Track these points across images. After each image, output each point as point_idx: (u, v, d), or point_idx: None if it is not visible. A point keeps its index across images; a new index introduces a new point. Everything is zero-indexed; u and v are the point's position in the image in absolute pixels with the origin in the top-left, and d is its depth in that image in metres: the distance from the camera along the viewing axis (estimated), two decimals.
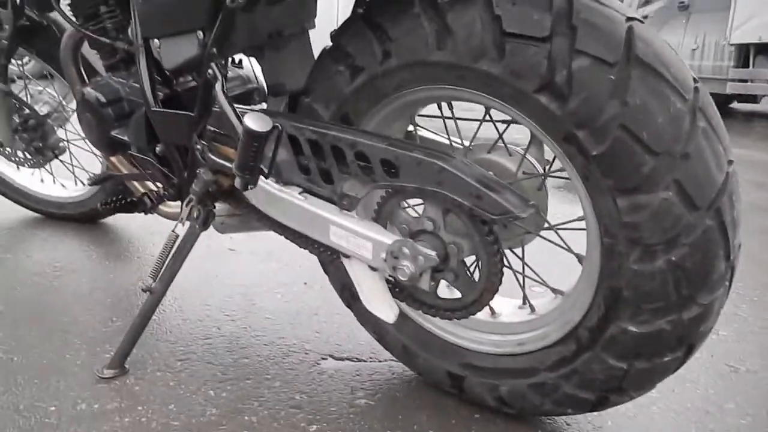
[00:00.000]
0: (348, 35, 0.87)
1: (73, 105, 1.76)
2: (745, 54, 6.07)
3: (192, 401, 1.04)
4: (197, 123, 1.00)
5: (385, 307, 0.92)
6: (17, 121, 1.65)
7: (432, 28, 0.77)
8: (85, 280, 1.51)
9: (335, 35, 0.91)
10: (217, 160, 0.97)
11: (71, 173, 1.89)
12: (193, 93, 1.08)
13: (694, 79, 0.71)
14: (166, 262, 1.10)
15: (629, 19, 0.70)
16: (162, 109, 1.05)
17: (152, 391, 1.06)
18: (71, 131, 1.82)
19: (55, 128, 1.73)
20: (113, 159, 1.29)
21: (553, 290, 0.95)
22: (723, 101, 7.39)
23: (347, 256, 0.92)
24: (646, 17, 7.36)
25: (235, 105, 0.96)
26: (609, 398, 0.86)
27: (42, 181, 1.94)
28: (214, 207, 1.10)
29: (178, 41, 0.99)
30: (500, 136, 0.91)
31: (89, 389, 1.05)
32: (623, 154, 0.69)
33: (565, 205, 2.27)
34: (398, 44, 0.81)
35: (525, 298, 0.99)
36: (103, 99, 1.17)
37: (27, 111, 1.65)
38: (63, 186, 1.93)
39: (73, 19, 1.24)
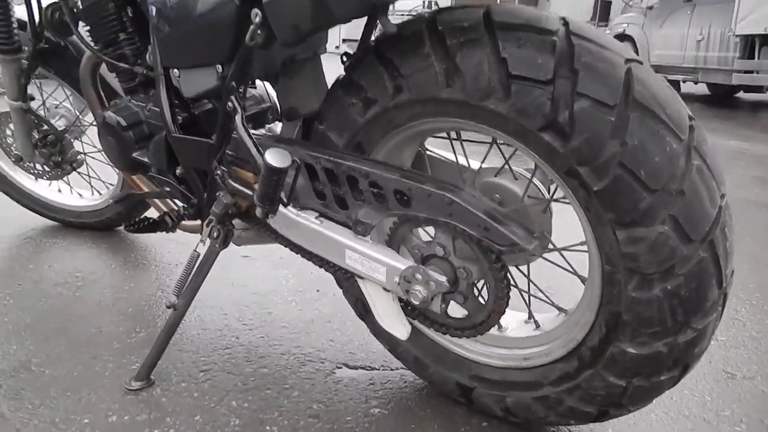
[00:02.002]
0: (360, 69, 0.92)
1: (89, 118, 1.81)
2: (750, 45, 6.06)
3: (216, 412, 1.10)
4: (217, 150, 1.06)
5: (398, 325, 0.98)
6: (37, 136, 1.71)
7: (441, 67, 0.81)
8: (107, 290, 1.57)
9: (348, 68, 0.95)
10: (237, 186, 1.02)
11: (88, 184, 1.95)
12: (212, 117, 1.14)
13: (690, 117, 0.75)
14: (189, 279, 1.15)
15: (628, 60, 0.74)
16: (182, 136, 1.10)
17: (178, 402, 1.12)
18: (87, 143, 1.88)
19: (73, 142, 1.78)
20: (134, 177, 1.34)
21: (558, 308, 1.00)
22: (728, 92, 7.39)
23: (361, 277, 0.97)
24: (651, 8, 7.34)
25: (252, 132, 1.01)
26: (609, 412, 0.91)
27: (59, 191, 2.00)
28: (233, 226, 1.16)
29: (197, 72, 1.04)
30: (506, 162, 0.96)
31: (119, 401, 1.12)
32: (622, 191, 0.73)
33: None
34: (409, 80, 0.85)
35: (530, 315, 1.04)
36: (123, 123, 1.22)
37: (46, 127, 1.70)
38: (80, 195, 1.99)
39: (92, 44, 1.28)
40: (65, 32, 1.43)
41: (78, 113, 1.82)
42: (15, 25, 1.50)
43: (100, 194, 1.96)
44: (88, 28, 1.28)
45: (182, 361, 1.25)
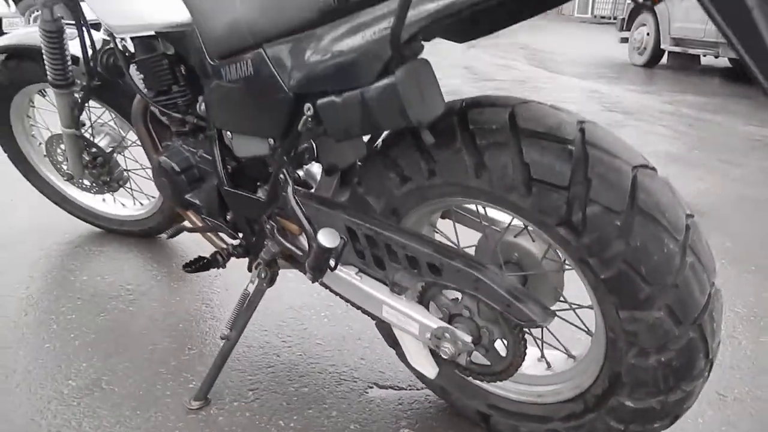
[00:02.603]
0: (398, 149, 1.03)
1: (131, 136, 1.94)
2: None
3: (266, 431, 1.26)
4: (266, 207, 1.19)
5: (427, 365, 1.13)
6: (87, 158, 1.84)
7: (471, 162, 0.93)
8: (156, 304, 1.73)
9: (386, 143, 1.07)
10: (287, 245, 1.16)
11: (131, 195, 2.10)
12: (261, 172, 1.26)
13: (687, 215, 0.87)
14: (239, 314, 1.30)
15: (634, 168, 0.86)
16: (235, 191, 1.24)
17: (233, 421, 1.29)
18: (129, 158, 2.01)
19: (119, 161, 1.91)
20: (186, 212, 1.48)
21: (568, 354, 1.14)
22: (738, 65, 7.30)
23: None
24: None
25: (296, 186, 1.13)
26: None
27: (104, 200, 2.15)
28: (279, 268, 1.30)
29: (250, 139, 1.17)
30: (525, 227, 1.08)
31: (182, 420, 1.28)
32: (625, 282, 0.86)
33: None
34: (442, 167, 0.98)
35: (542, 356, 1.18)
36: (177, 168, 1.35)
37: (95, 149, 1.84)
38: (123, 205, 2.14)
39: (144, 89, 1.40)
40: (118, 74, 1.55)
41: (122, 133, 1.95)
42: (69, 61, 1.62)
43: (142, 205, 2.10)
44: (141, 76, 1.39)
45: (232, 380, 1.41)
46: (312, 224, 1.09)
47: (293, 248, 1.16)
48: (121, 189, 1.95)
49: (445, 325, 1.02)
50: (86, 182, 1.94)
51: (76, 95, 1.69)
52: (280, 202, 1.18)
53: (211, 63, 1.14)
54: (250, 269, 1.36)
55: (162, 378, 1.42)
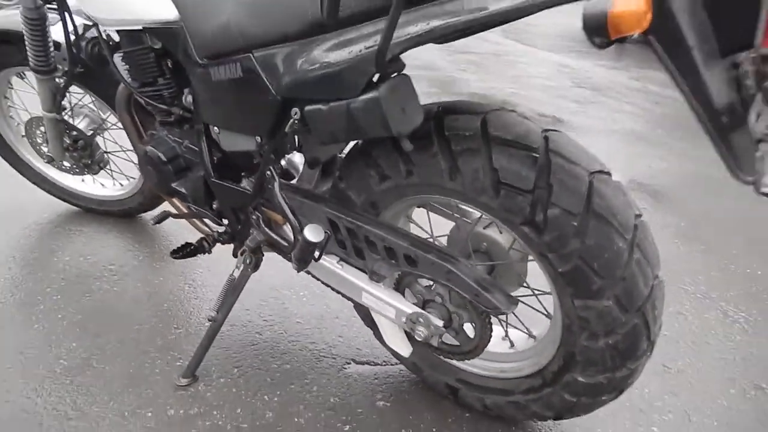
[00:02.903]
0: (378, 150, 1.12)
1: (111, 118, 1.97)
2: None
3: (253, 405, 1.36)
4: (253, 199, 1.26)
5: (402, 345, 1.24)
6: (68, 142, 1.87)
7: (446, 165, 1.02)
8: (140, 284, 1.80)
9: (367, 143, 1.15)
10: (273, 236, 1.24)
11: (110, 177, 2.13)
12: (247, 164, 1.33)
13: (636, 216, 0.98)
14: (225, 297, 1.38)
15: (591, 174, 0.96)
16: (222, 183, 1.30)
17: (221, 397, 1.38)
18: (109, 140, 2.04)
19: (99, 144, 1.94)
20: (171, 199, 1.54)
21: (529, 334, 1.26)
22: None
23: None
24: None
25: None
26: (563, 416, 1.19)
27: (83, 181, 2.18)
28: (263, 254, 1.38)
29: (237, 135, 1.23)
30: (494, 220, 1.18)
31: (172, 396, 1.37)
32: (580, 275, 0.97)
33: None
34: (419, 169, 1.06)
35: (506, 335, 1.30)
36: (164, 158, 1.40)
37: (75, 133, 1.86)
38: (102, 185, 2.17)
39: (128, 79, 1.43)
40: (102, 63, 1.58)
41: (102, 115, 1.97)
42: (51, 47, 1.63)
43: (122, 185, 2.14)
44: (126, 67, 1.42)
45: (217, 358, 1.50)
46: (297, 217, 1.17)
47: (279, 239, 1.24)
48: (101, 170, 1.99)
49: (420, 310, 1.12)
50: (66, 164, 1.96)
51: (58, 80, 1.71)
52: (265, 195, 1.26)
53: (199, 62, 1.20)
54: (235, 255, 1.44)
55: (150, 356, 1.50)
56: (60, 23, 1.59)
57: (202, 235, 1.47)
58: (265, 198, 1.27)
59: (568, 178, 0.95)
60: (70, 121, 1.87)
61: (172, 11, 1.23)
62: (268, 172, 1.17)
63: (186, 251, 1.43)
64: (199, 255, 1.50)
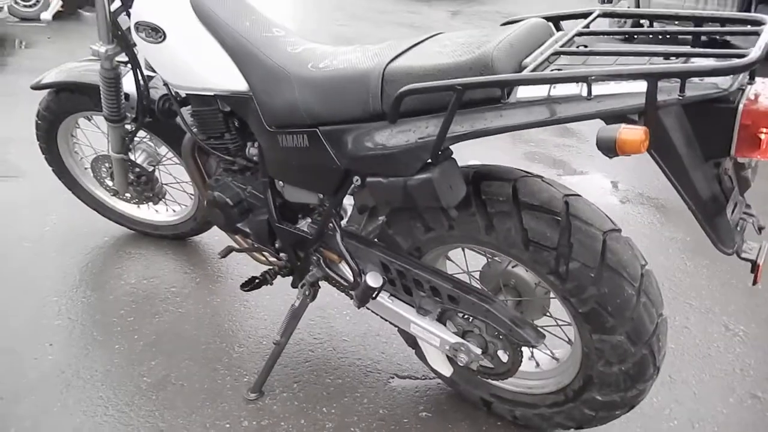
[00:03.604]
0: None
1: (163, 150, 2.18)
2: (747, 1, 6.27)
3: (314, 417, 1.59)
4: (314, 243, 1.48)
5: (443, 367, 1.45)
6: (132, 177, 2.09)
7: (483, 223, 1.23)
8: (200, 305, 2.02)
9: None
10: (334, 275, 1.45)
11: (165, 205, 2.35)
12: (308, 210, 1.54)
13: (642, 266, 1.19)
14: (288, 323, 1.60)
15: (604, 233, 1.17)
16: (286, 228, 1.52)
17: (286, 409, 1.61)
18: (165, 172, 2.26)
19: (159, 177, 2.16)
20: (235, 236, 1.76)
21: (553, 356, 1.47)
22: (722, 45, 7.60)
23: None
24: None
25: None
26: (583, 426, 1.41)
27: (139, 207, 2.40)
28: (320, 286, 1.60)
29: (301, 191, 1.45)
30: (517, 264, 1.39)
31: (245, 409, 1.60)
32: (596, 316, 1.18)
33: None
34: (459, 224, 1.27)
35: (532, 356, 1.51)
36: (230, 202, 1.62)
37: (138, 169, 2.08)
38: (156, 212, 2.40)
39: (197, 133, 1.64)
40: (170, 115, 1.79)
41: (157, 149, 2.19)
42: (122, 99, 1.85)
43: (174, 212, 2.37)
44: (195, 122, 1.63)
45: (278, 375, 1.72)
46: (356, 261, 1.38)
47: (340, 279, 1.45)
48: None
49: (461, 340, 1.34)
50: (128, 195, 2.19)
51: (127, 126, 1.92)
52: (325, 240, 1.47)
53: (268, 129, 1.40)
54: (294, 285, 1.66)
55: (220, 374, 1.72)
56: (129, 74, 1.80)
57: (266, 270, 1.68)
58: (324, 241, 1.49)
59: (585, 238, 1.16)
60: (132, 158, 2.09)
61: (242, 83, 1.44)
62: (331, 225, 1.39)
63: (253, 284, 1.65)
64: (244, 273, 1.71)
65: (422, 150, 1.10)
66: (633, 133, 0.84)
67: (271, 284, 1.70)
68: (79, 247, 2.34)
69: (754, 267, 1.04)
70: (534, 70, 0.99)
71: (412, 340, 1.62)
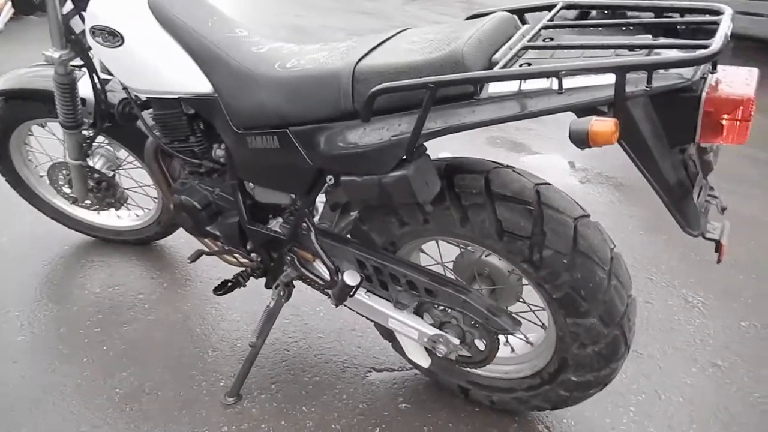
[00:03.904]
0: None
1: (122, 154, 2.12)
2: None
3: (294, 417, 1.58)
4: (287, 243, 1.47)
5: (421, 358, 1.47)
6: (92, 183, 2.03)
7: (457, 216, 1.25)
8: (170, 310, 1.99)
9: None
10: (309, 275, 1.45)
11: (126, 209, 2.29)
12: (279, 210, 1.53)
13: (611, 249, 1.23)
14: (264, 325, 1.59)
15: (575, 219, 1.20)
16: (257, 229, 1.50)
17: (265, 411, 1.60)
18: (125, 176, 2.20)
19: (120, 182, 2.10)
20: (204, 239, 1.73)
21: (527, 341, 1.51)
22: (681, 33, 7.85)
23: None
24: None
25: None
26: (558, 406, 1.45)
27: (99, 214, 2.33)
28: (294, 286, 1.59)
29: (272, 192, 1.43)
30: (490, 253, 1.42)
31: (223, 414, 1.58)
32: (570, 301, 1.22)
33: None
34: (434, 218, 1.28)
35: (507, 342, 1.55)
36: (198, 206, 1.59)
37: (98, 175, 2.02)
38: (119, 217, 2.33)
39: (160, 137, 1.61)
40: (131, 119, 1.74)
41: (116, 153, 2.13)
42: (79, 105, 1.79)
43: (137, 216, 2.31)
44: (158, 125, 1.59)
45: (255, 376, 1.71)
46: (332, 260, 1.38)
47: (315, 278, 1.45)
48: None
49: (439, 332, 1.36)
50: (88, 202, 2.12)
51: (85, 132, 1.86)
52: (299, 240, 1.46)
53: (236, 130, 1.38)
54: (268, 287, 1.65)
55: (196, 380, 1.70)
56: (84, 78, 1.75)
57: (238, 272, 1.66)
58: (297, 240, 1.48)
59: (557, 225, 1.19)
60: (91, 163, 2.03)
61: (206, 85, 1.41)
62: (305, 224, 1.38)
63: (227, 288, 1.63)
64: (214, 274, 1.69)
65: (396, 147, 1.11)
66: (604, 125, 0.87)
67: (244, 286, 1.68)
68: (39, 258, 2.26)
69: (718, 246, 1.09)
70: (504, 66, 1.00)
71: (388, 333, 1.63)
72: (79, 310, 1.98)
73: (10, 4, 1.39)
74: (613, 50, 0.99)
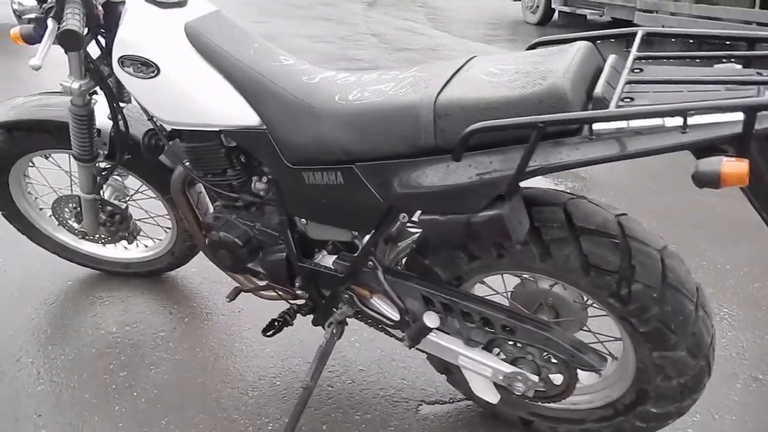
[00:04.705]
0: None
1: (129, 183, 2.00)
2: None
3: None
4: (345, 281, 1.40)
5: (490, 395, 1.42)
6: (104, 217, 1.90)
7: (538, 251, 1.20)
8: (197, 348, 1.88)
9: None
10: (375, 315, 1.38)
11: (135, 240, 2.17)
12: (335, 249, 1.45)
13: (695, 283, 1.20)
14: (317, 366, 1.51)
15: (659, 251, 1.17)
16: (312, 268, 1.42)
17: None
18: (135, 206, 2.08)
19: (132, 215, 1.98)
20: (241, 276, 1.64)
21: (597, 371, 1.47)
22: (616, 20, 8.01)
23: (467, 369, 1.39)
24: None
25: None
26: None
27: (104, 246, 2.20)
28: (347, 323, 1.52)
29: (331, 228, 1.36)
30: (556, 282, 1.38)
31: None
32: (659, 334, 1.19)
33: None
34: (511, 253, 1.24)
35: None
36: (239, 242, 1.50)
37: (110, 207, 1.90)
38: (125, 248, 2.20)
39: (193, 170, 1.51)
40: (158, 152, 1.64)
41: (124, 183, 2.01)
42: (95, 137, 1.67)
43: (146, 247, 2.19)
44: (192, 158, 1.49)
45: (303, 416, 1.62)
46: (401, 299, 1.32)
47: (381, 318, 1.38)
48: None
49: (518, 369, 1.31)
50: (99, 236, 1.99)
51: (99, 164, 1.74)
52: (359, 277, 1.39)
53: (289, 165, 1.31)
54: (316, 324, 1.57)
55: (241, 424, 1.61)
56: (96, 107, 1.63)
57: (284, 310, 1.58)
58: (355, 278, 1.41)
59: (645, 258, 1.16)
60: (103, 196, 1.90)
61: (253, 118, 1.33)
62: (371, 263, 1.31)
63: (275, 328, 1.55)
64: (236, 306, 1.62)
65: (489, 186, 1.06)
66: (737, 166, 0.84)
67: (292, 325, 1.60)
68: (42, 296, 2.11)
69: None
70: (613, 102, 0.96)
71: (442, 367, 1.58)
72: (98, 353, 1.86)
73: (49, 42, 1.28)
74: (722, 85, 0.96)
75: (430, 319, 1.24)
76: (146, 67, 1.35)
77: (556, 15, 8.38)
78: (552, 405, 1.49)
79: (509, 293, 1.46)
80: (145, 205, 2.13)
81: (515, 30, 7.97)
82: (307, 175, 1.29)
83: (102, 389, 1.72)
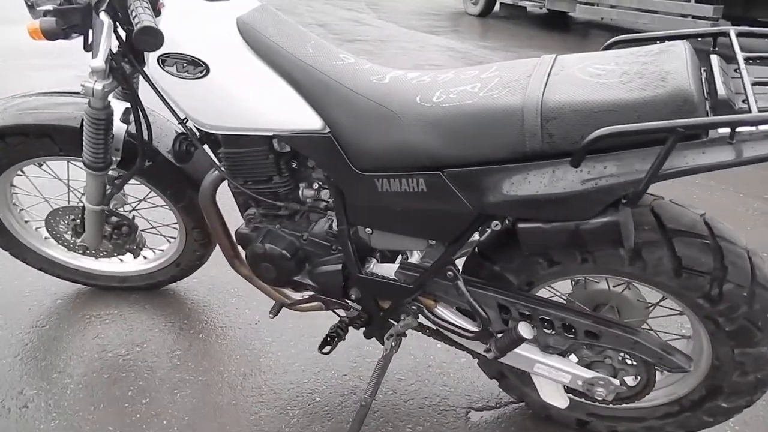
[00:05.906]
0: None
1: (129, 190, 1.84)
2: None
3: None
4: (413, 292, 1.33)
5: (560, 399, 1.40)
6: (108, 229, 1.73)
7: (627, 255, 1.18)
8: (219, 365, 1.75)
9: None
10: (442, 323, 1.32)
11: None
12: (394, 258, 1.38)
13: None
14: (376, 380, 1.44)
15: (747, 251, 1.18)
16: (375, 279, 1.34)
17: None
18: (139, 216, 1.91)
19: (138, 226, 1.82)
20: (282, 289, 1.53)
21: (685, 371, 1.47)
22: (553, 12, 8.23)
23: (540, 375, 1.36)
24: None
25: None
26: (693, 431, 1.44)
27: (97, 259, 2.01)
28: (405, 335, 1.45)
29: (403, 238, 1.28)
30: (628, 284, 1.37)
31: None
32: (745, 332, 1.20)
33: None
34: (596, 257, 1.21)
35: None
36: (287, 254, 1.40)
37: (116, 219, 1.73)
38: (121, 261, 2.03)
39: (231, 176, 1.39)
40: (187, 159, 1.50)
41: (124, 193, 1.85)
42: (110, 145, 1.51)
43: (145, 258, 2.02)
44: (230, 165, 1.37)
45: None
46: (483, 308, 1.26)
47: (456, 329, 1.32)
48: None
49: (599, 374, 1.29)
50: (102, 249, 1.82)
51: (111, 173, 1.58)
52: (428, 287, 1.32)
53: (357, 172, 1.22)
54: (368, 337, 1.49)
55: None
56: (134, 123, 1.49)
57: (336, 324, 1.49)
58: (424, 288, 1.34)
59: (736, 258, 1.16)
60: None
61: (316, 121, 1.23)
62: (450, 273, 1.25)
63: (329, 343, 1.46)
64: (252, 319, 1.52)
65: (604, 192, 1.02)
66: None
67: (344, 339, 1.51)
68: (30, 318, 1.91)
69: None
70: (753, 106, 0.94)
71: (496, 372, 1.54)
72: (111, 378, 1.69)
73: (108, 41, 1.13)
74: None
75: (525, 330, 1.20)
76: (194, 67, 1.23)
77: (497, 6, 8.51)
78: (610, 405, 1.49)
79: (567, 294, 1.44)
80: (146, 213, 1.97)
81: (458, 21, 8.03)
82: (381, 182, 1.21)
83: (127, 420, 1.56)
